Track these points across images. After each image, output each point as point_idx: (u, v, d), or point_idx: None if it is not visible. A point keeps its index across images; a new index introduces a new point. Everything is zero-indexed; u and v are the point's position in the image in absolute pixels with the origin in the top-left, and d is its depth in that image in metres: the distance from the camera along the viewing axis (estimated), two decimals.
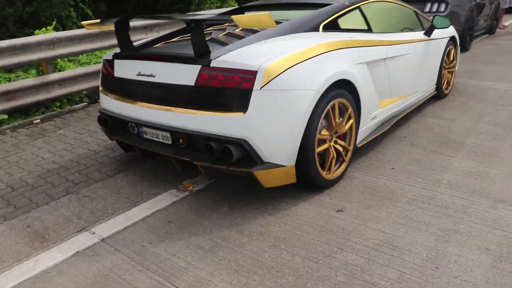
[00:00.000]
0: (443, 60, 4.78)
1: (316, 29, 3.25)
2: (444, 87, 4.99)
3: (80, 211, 2.94)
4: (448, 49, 4.87)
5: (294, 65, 2.62)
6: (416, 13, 4.49)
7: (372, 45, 3.37)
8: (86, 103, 5.65)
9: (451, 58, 5.07)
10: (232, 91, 2.56)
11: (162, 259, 2.35)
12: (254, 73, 2.51)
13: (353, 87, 3.07)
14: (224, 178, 3.22)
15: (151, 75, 2.90)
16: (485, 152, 3.52)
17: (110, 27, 3.52)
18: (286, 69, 2.58)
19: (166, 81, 2.82)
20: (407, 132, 4.07)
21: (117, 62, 3.22)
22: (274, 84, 2.53)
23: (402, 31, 4.13)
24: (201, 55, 2.68)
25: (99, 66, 5.77)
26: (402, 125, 4.24)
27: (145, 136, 3.11)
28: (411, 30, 4.29)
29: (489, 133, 3.95)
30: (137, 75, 3.00)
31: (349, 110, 3.07)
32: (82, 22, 3.35)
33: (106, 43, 5.78)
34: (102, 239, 2.59)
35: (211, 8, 10.45)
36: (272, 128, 2.59)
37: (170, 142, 2.94)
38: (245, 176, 2.72)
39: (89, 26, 3.30)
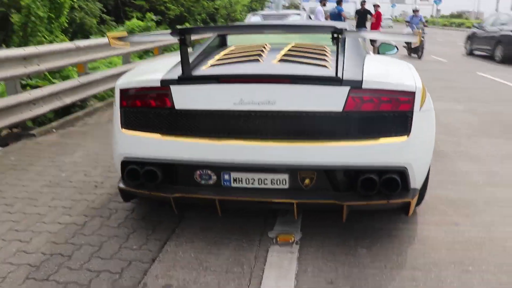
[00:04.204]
0: None
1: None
2: None
3: None
4: None
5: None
6: None
7: None
8: None
9: None
10: (390, 114, 2.23)
11: None
12: (412, 94, 2.26)
13: None
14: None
15: (268, 102, 2.22)
16: None
17: (125, 44, 2.54)
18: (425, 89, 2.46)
19: (295, 108, 2.21)
20: None
21: (178, 89, 2.31)
22: (426, 104, 2.35)
23: None
24: (344, 75, 2.25)
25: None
26: None
27: (233, 184, 2.33)
28: None
29: None
30: (235, 103, 2.24)
31: None
32: (108, 34, 2.29)
33: None
34: None
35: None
36: (425, 151, 2.39)
37: (286, 186, 2.31)
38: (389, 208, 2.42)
39: (115, 40, 2.28)
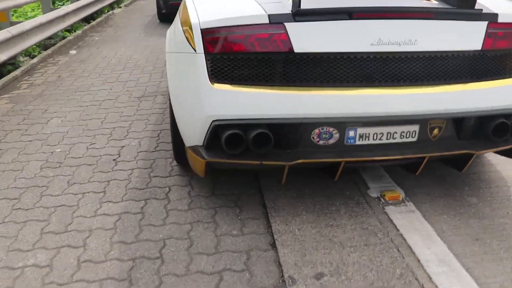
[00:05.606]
0: None
1: None
2: None
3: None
4: None
5: None
6: None
7: None
8: None
9: None
10: None
11: None
12: None
13: None
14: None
15: (409, 42, 1.81)
16: None
17: None
18: None
19: (437, 48, 1.85)
20: None
21: (295, 28, 1.76)
22: None
23: None
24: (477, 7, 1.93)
25: None
26: None
27: (358, 142, 1.94)
28: None
29: None
30: (373, 44, 1.78)
31: None
32: None
33: None
34: None
35: None
36: None
37: (415, 139, 1.99)
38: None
39: None
